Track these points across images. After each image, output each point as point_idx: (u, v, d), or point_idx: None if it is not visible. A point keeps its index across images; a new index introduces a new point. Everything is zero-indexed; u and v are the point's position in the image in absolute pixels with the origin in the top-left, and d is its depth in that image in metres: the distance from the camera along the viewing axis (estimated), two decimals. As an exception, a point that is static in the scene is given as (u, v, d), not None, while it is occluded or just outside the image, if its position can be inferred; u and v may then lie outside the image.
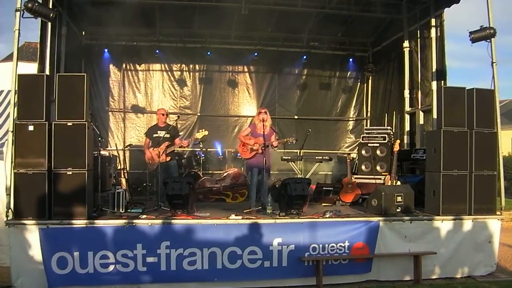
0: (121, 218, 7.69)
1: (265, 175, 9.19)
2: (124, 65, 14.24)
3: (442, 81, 10.60)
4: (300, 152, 11.68)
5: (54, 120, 7.56)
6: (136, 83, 14.35)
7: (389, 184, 9.43)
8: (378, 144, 10.91)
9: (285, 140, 9.63)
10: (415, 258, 8.03)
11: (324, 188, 10.51)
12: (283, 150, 11.15)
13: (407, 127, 12.60)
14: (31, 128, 7.41)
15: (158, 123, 10.14)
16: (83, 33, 13.33)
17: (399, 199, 8.37)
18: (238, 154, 11.95)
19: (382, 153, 10.84)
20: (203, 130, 9.89)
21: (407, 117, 12.60)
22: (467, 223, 8.37)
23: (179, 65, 14.54)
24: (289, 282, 7.80)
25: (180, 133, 13.02)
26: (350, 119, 15.55)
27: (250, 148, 9.33)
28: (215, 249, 7.51)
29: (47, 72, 9.02)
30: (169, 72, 14.51)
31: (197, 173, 12.33)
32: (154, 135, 9.85)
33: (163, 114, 10.09)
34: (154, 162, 9.68)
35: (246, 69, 14.98)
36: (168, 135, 9.76)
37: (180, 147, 10.09)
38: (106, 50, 13.66)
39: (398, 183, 9.41)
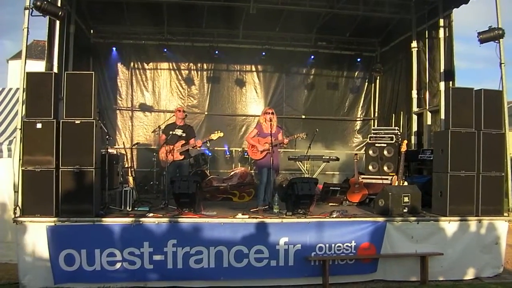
0: (128, 216, 7.71)
1: (272, 174, 9.20)
2: (132, 64, 14.28)
3: (450, 82, 10.57)
4: (307, 152, 11.67)
5: (62, 118, 7.59)
6: (144, 82, 14.39)
7: (396, 184, 9.40)
8: (385, 144, 10.89)
9: (295, 136, 9.64)
10: (421, 259, 8.01)
11: (331, 188, 10.51)
12: (293, 150, 11.15)
13: (414, 128, 12.55)
14: (39, 126, 7.45)
15: (176, 121, 10.23)
16: (91, 31, 13.40)
17: (406, 199, 8.34)
18: (246, 153, 11.96)
19: (389, 153, 10.82)
20: (219, 131, 9.91)
21: (414, 117, 12.55)
22: (474, 224, 8.33)
23: (187, 64, 14.56)
24: (295, 282, 7.79)
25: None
26: (358, 119, 15.53)
27: (261, 149, 9.31)
28: (222, 247, 7.52)
29: (55, 70, 9.06)
30: (177, 71, 14.54)
31: (204, 172, 12.35)
32: (171, 133, 9.93)
33: (179, 111, 10.21)
34: (167, 159, 9.72)
35: (253, 69, 14.98)
36: (184, 134, 9.88)
37: (193, 147, 10.12)
38: (114, 48, 13.70)
39: (405, 183, 9.36)
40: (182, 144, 9.88)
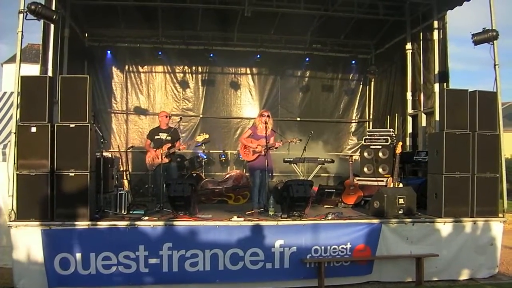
0: (123, 220, 7.68)
1: (267, 177, 9.20)
2: (126, 67, 14.27)
3: (445, 83, 10.61)
4: (302, 154, 11.67)
5: (57, 121, 7.58)
6: (139, 85, 14.38)
7: (391, 186, 9.41)
8: (380, 146, 10.88)
9: (289, 140, 9.64)
10: (417, 260, 8.02)
11: (326, 190, 10.51)
12: (287, 152, 11.17)
13: (409, 129, 12.59)
14: (33, 129, 7.43)
15: (160, 125, 10.26)
16: (86, 35, 13.39)
17: (401, 201, 8.35)
18: (240, 156, 11.96)
19: (384, 155, 10.81)
20: (204, 133, 10.06)
21: (409, 119, 12.59)
22: (469, 226, 8.35)
23: (181, 67, 14.57)
24: (290, 284, 7.80)
25: (183, 135, 13.15)
26: (353, 121, 15.56)
27: (253, 151, 9.33)
28: (217, 250, 7.52)
29: (50, 73, 9.03)
30: (171, 74, 14.54)
31: (199, 175, 12.33)
32: (156, 137, 10.00)
33: (165, 117, 10.22)
34: (154, 163, 9.80)
35: (248, 71, 14.99)
36: (169, 138, 9.89)
37: (178, 150, 10.15)
38: (108, 52, 13.68)
39: (400, 185, 9.38)
40: (169, 147, 9.88)
